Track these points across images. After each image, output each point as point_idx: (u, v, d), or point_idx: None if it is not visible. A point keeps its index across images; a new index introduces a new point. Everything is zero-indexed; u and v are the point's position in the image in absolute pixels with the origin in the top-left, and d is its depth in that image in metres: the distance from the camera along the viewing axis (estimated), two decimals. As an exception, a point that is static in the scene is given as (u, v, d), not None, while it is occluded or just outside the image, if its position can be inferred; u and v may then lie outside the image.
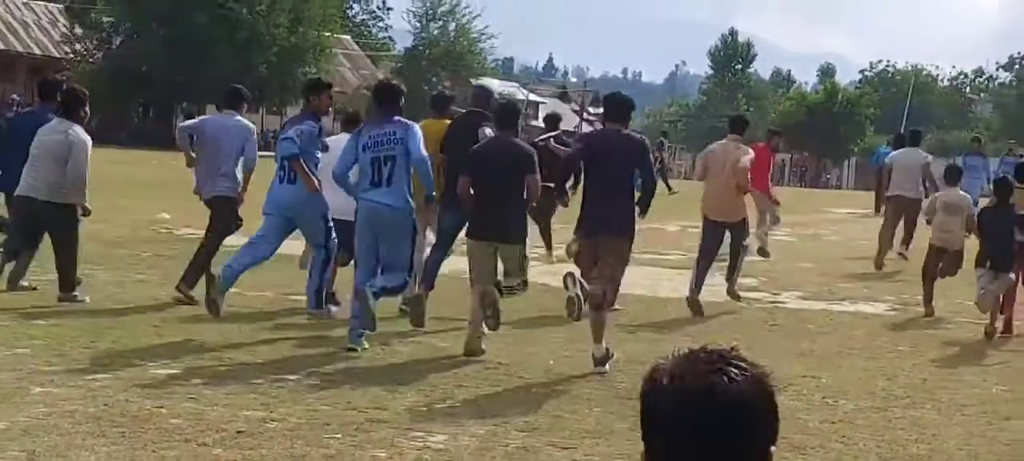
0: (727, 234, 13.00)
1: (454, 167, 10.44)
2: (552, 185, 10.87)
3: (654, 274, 15.36)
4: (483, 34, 77.44)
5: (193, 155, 11.81)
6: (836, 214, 31.89)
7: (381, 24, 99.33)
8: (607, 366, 9.17)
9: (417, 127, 9.89)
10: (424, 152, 9.77)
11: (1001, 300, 11.89)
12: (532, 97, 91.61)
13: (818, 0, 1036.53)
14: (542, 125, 22.80)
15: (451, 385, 8.53)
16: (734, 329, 11.57)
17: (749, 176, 13.13)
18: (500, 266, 9.92)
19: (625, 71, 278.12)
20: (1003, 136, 77.23)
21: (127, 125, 57.32)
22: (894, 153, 19.80)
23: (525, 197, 9.83)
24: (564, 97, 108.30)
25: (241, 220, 11.99)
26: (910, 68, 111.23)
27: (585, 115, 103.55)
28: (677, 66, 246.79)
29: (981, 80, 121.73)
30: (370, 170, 9.64)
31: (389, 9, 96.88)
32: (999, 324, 11.86)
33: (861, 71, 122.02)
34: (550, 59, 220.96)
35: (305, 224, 10.90)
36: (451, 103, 12.53)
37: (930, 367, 10.25)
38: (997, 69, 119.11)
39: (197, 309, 10.76)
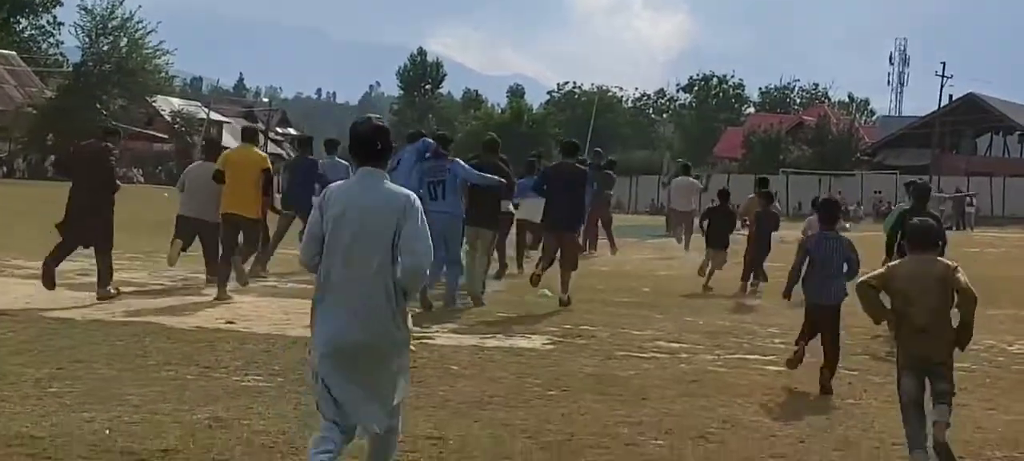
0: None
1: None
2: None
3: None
4: (158, 50, 73.60)
5: None
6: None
7: (52, 39, 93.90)
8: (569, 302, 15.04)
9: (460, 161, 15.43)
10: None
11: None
12: (215, 116, 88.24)
13: (507, 25, 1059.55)
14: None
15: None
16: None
17: None
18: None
19: (319, 92, 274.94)
20: (684, 154, 79.30)
21: None
22: (675, 180, 29.24)
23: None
24: (250, 116, 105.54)
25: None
26: (595, 90, 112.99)
27: (272, 134, 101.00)
28: (371, 87, 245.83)
29: (663, 101, 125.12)
30: (425, 189, 14.38)
31: (60, 24, 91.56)
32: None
33: (549, 92, 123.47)
34: (241, 79, 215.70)
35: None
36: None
37: (581, 418, 8.50)
38: (678, 90, 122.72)
39: None
